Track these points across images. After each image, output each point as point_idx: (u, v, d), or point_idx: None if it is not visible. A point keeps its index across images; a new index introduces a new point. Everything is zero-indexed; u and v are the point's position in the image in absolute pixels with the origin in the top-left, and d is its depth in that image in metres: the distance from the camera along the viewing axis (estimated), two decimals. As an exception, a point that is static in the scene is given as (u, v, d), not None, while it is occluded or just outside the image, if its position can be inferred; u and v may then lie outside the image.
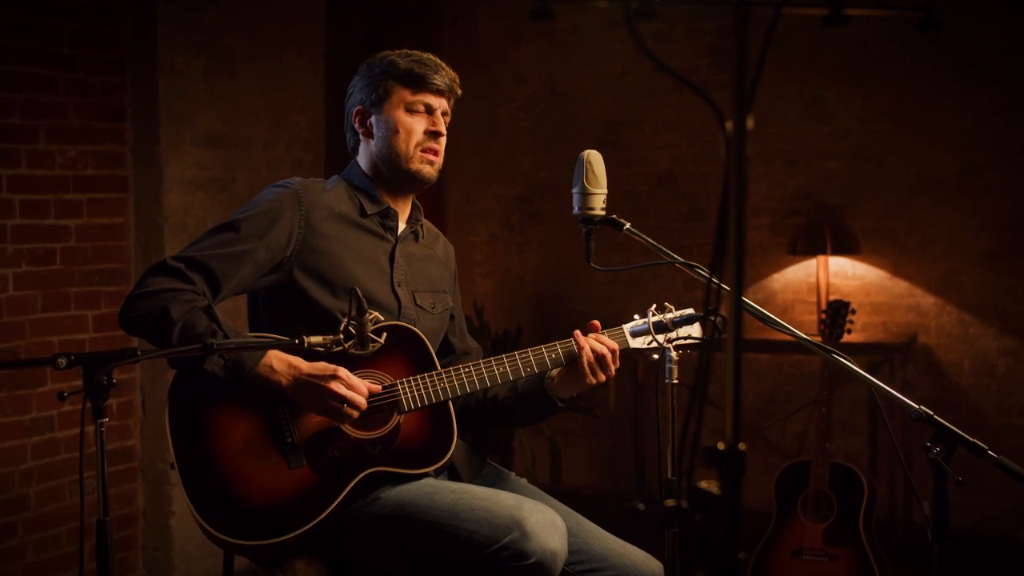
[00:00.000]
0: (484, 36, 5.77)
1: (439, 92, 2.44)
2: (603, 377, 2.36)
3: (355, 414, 2.24)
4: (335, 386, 2.20)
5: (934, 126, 4.94)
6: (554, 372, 2.41)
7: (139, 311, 2.22)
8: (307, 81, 4.73)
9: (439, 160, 2.46)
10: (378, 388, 2.28)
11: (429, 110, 2.43)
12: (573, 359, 2.36)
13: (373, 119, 2.44)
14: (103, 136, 4.13)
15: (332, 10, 4.87)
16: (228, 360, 2.19)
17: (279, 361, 2.22)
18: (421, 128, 2.42)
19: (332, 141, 4.90)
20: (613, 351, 2.36)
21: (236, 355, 2.18)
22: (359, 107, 2.46)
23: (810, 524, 3.85)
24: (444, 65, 2.46)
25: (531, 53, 5.69)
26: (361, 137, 2.48)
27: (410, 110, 2.42)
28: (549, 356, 2.36)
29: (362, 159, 2.49)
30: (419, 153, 2.42)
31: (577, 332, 2.37)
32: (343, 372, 2.22)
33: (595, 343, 2.35)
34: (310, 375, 2.21)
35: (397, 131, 2.41)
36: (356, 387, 2.23)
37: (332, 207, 2.40)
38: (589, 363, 2.33)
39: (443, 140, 2.46)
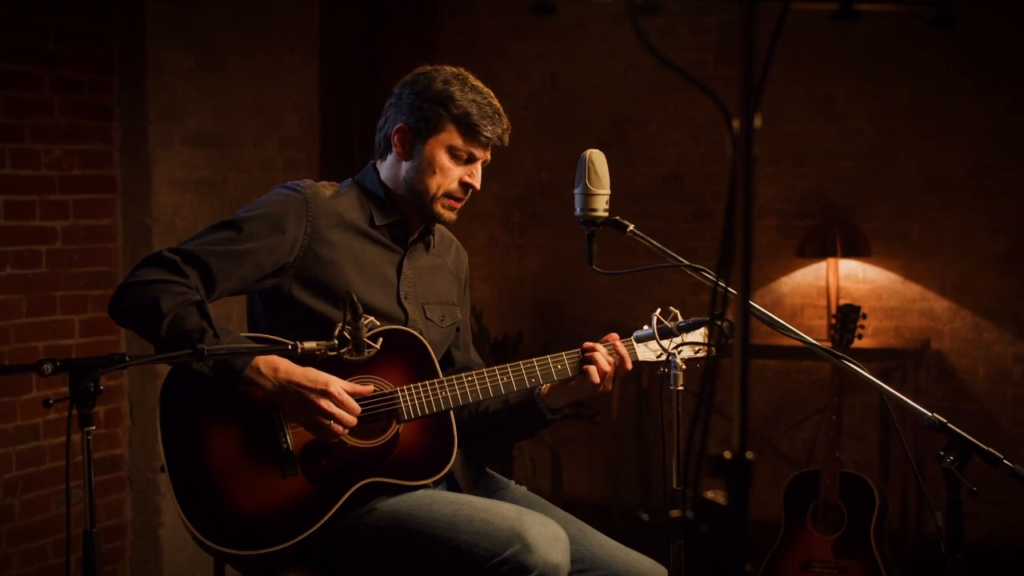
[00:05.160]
0: (483, 31, 5.74)
1: (487, 144, 2.39)
2: (609, 386, 2.35)
3: (343, 431, 2.20)
4: (324, 403, 2.16)
5: (948, 125, 4.92)
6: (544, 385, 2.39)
7: (128, 300, 2.18)
8: (300, 78, 4.70)
9: (462, 204, 2.43)
10: (369, 390, 2.23)
11: (471, 159, 2.38)
12: (581, 371, 2.34)
13: (414, 145, 2.37)
14: (90, 135, 4.08)
15: (326, 5, 4.85)
16: (218, 361, 2.15)
17: (266, 364, 2.17)
18: (457, 175, 2.37)
19: (326, 140, 4.85)
20: (628, 369, 2.35)
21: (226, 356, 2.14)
22: (403, 125, 2.37)
23: (819, 535, 3.84)
24: (502, 112, 2.40)
25: (532, 49, 5.65)
26: (395, 153, 2.40)
27: (454, 155, 2.36)
28: (555, 367, 2.34)
29: (386, 171, 2.43)
30: (445, 199, 2.37)
31: (587, 343, 2.35)
32: (335, 387, 2.17)
33: (610, 351, 2.33)
34: (299, 384, 2.16)
35: (434, 172, 2.35)
36: (347, 404, 2.18)
37: (341, 215, 2.35)
38: (602, 372, 2.31)
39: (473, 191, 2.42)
